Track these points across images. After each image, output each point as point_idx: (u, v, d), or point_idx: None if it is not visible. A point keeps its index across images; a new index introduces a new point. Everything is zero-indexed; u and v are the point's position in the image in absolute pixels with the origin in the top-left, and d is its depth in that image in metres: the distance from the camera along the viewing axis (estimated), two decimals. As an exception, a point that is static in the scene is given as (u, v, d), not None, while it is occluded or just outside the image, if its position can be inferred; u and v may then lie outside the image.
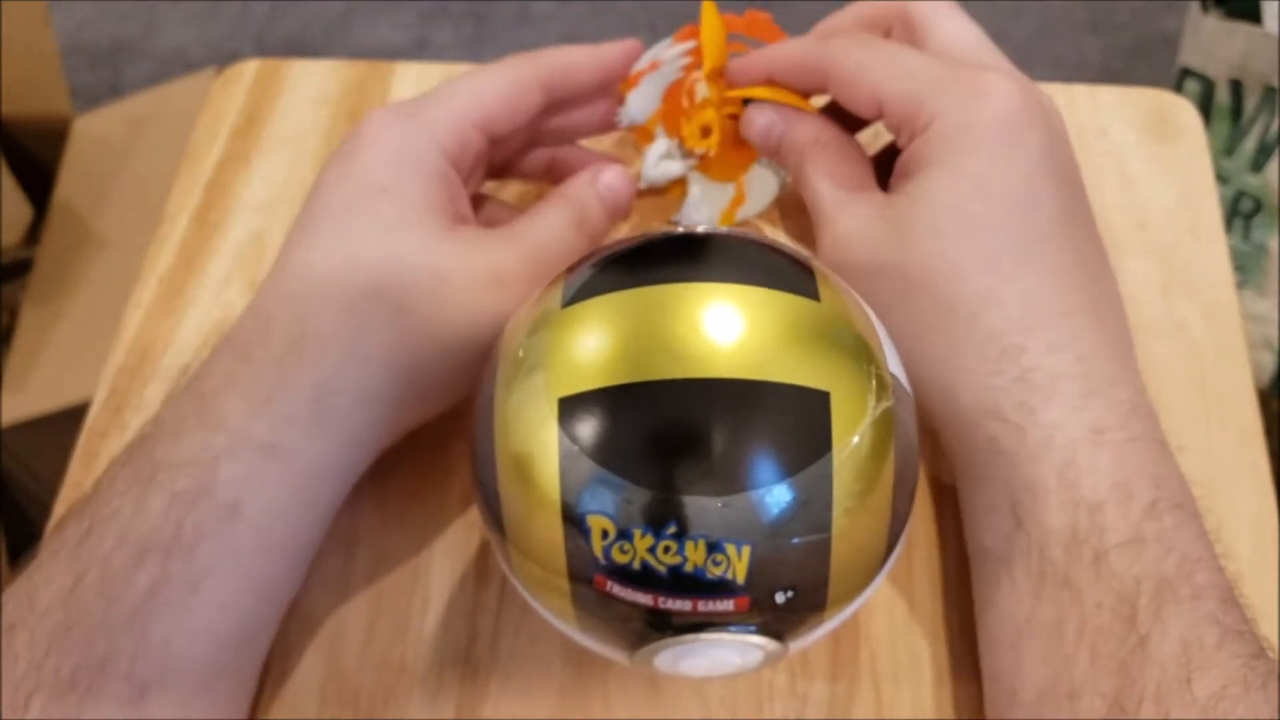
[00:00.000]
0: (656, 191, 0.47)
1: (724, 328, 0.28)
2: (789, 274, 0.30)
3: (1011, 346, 0.35)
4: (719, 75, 0.44)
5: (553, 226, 0.39)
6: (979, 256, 0.36)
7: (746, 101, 0.44)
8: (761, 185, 0.46)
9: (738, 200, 0.46)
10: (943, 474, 0.41)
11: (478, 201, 0.43)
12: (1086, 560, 0.32)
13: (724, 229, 0.33)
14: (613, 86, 0.43)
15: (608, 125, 0.44)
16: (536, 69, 0.40)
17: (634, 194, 0.42)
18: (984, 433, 0.35)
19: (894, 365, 0.31)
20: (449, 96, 0.39)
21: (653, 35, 0.44)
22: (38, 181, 1.05)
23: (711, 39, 0.43)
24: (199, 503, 0.32)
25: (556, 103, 0.41)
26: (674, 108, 0.45)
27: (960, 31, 0.40)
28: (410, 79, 0.53)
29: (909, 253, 0.36)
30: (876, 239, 0.38)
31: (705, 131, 0.44)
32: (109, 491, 0.33)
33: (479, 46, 1.56)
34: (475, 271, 0.35)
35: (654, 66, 0.44)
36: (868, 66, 0.39)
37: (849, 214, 0.39)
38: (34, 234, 1.03)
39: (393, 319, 0.34)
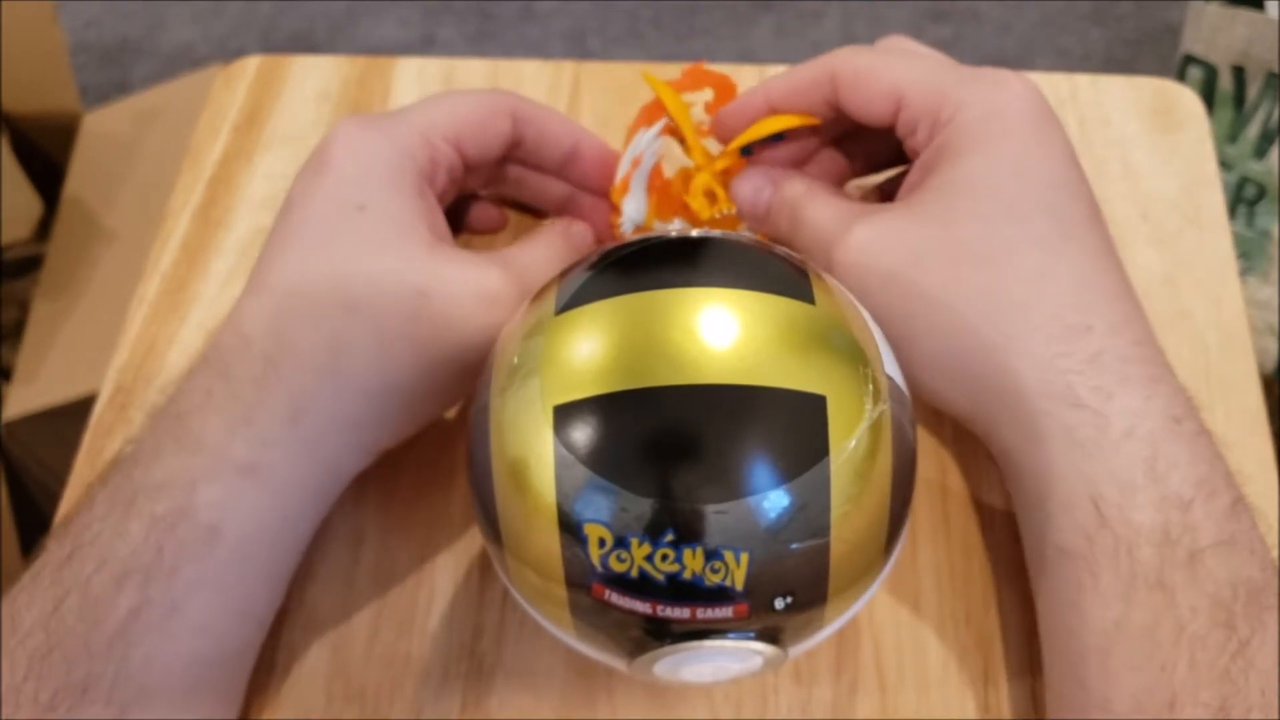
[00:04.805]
0: None
1: (719, 333, 0.28)
2: (784, 277, 0.30)
3: (1077, 325, 0.33)
4: (699, 139, 0.43)
5: (546, 256, 0.39)
6: (1027, 236, 0.35)
7: (745, 151, 0.43)
8: None
9: None
10: (945, 474, 0.41)
11: (466, 202, 0.43)
12: (1180, 561, 0.31)
13: (718, 232, 0.33)
14: (578, 162, 0.43)
15: (561, 206, 0.44)
16: (505, 98, 0.40)
17: None
18: (1056, 421, 0.33)
19: (890, 368, 0.31)
20: (420, 109, 0.38)
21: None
22: (48, 177, 1.05)
23: (675, 108, 0.43)
24: (179, 526, 0.32)
25: (524, 147, 0.41)
26: (661, 192, 0.43)
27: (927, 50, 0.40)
28: (411, 74, 0.53)
29: (952, 240, 0.35)
30: (910, 234, 0.36)
31: (711, 196, 0.43)
32: (88, 515, 0.33)
33: (483, 43, 1.56)
34: (460, 289, 0.35)
35: (636, 164, 0.43)
36: (883, 65, 0.38)
37: (867, 223, 0.36)
38: (44, 229, 1.04)
39: (373, 338, 0.34)
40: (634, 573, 0.27)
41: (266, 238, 0.36)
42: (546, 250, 0.39)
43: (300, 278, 0.35)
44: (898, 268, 0.35)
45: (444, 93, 0.39)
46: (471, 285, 0.35)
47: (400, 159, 0.36)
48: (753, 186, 0.41)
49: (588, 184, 0.43)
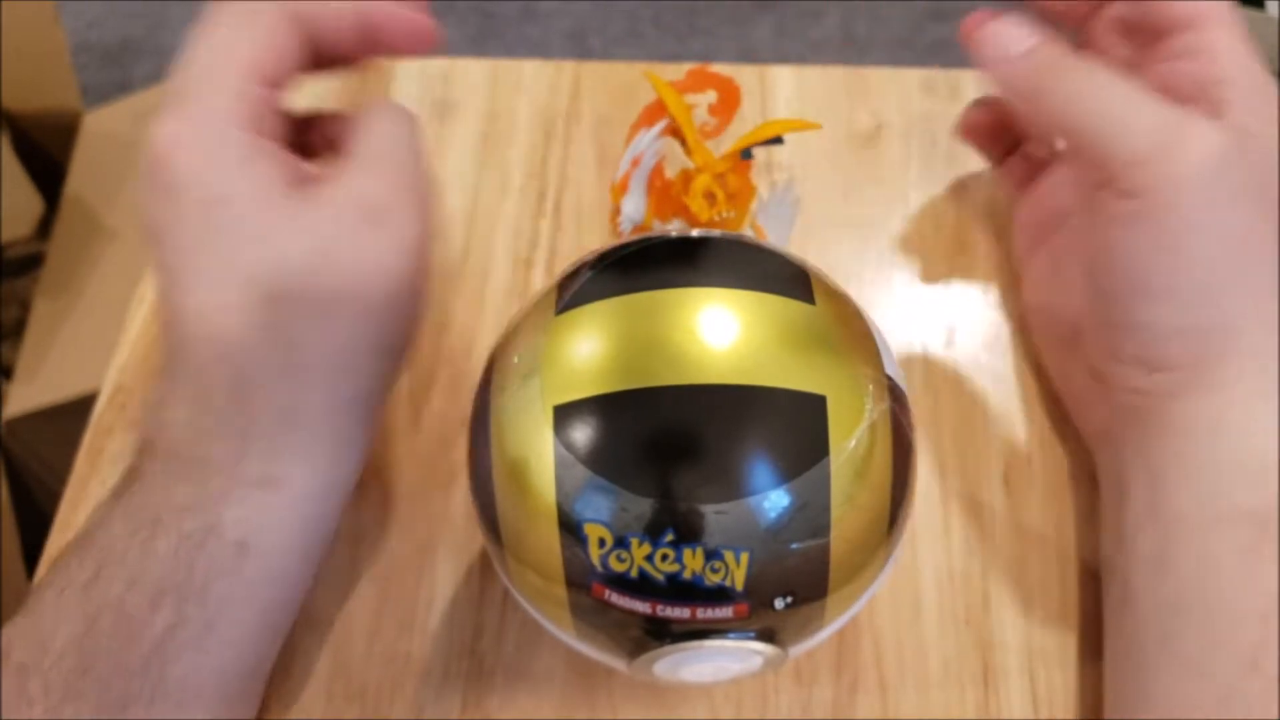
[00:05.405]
0: None
1: (719, 333, 0.28)
2: (784, 277, 0.30)
3: None
4: (700, 141, 0.43)
5: (391, 130, 0.34)
6: None
7: (745, 154, 0.43)
8: (776, 221, 0.45)
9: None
10: (945, 474, 0.41)
11: (309, 124, 0.38)
12: None
13: (718, 232, 0.33)
14: (371, 37, 0.36)
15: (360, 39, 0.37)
16: (275, 10, 0.34)
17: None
18: None
19: (890, 367, 0.31)
20: (210, 71, 0.33)
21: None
22: (49, 176, 1.05)
23: (677, 109, 0.43)
24: (208, 543, 0.32)
25: (317, 39, 0.35)
26: (661, 193, 0.44)
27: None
28: (412, 74, 0.53)
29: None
30: None
31: (710, 198, 0.43)
32: (108, 534, 0.32)
33: (484, 43, 1.56)
34: (349, 234, 0.32)
35: (636, 164, 0.43)
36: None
37: (1220, 130, 0.33)
38: (45, 228, 1.04)
39: (309, 318, 0.32)
40: (634, 573, 0.27)
41: (154, 269, 0.34)
42: (392, 124, 0.35)
43: (213, 296, 0.32)
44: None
45: (205, 35, 0.34)
46: (352, 224, 0.32)
47: (225, 130, 0.32)
48: (1021, 28, 0.36)
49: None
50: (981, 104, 0.43)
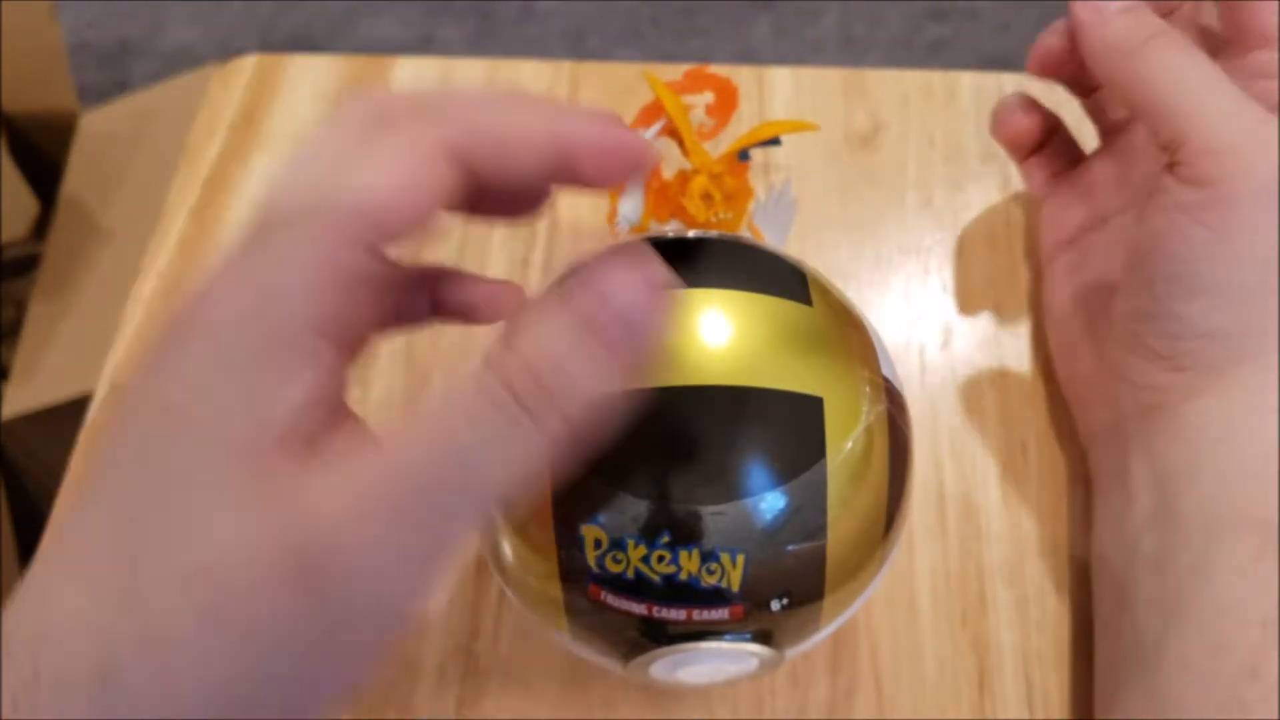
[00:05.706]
0: None
1: (716, 334, 0.28)
2: (781, 279, 0.30)
3: None
4: (698, 141, 0.43)
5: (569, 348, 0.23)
6: None
7: (743, 155, 0.43)
8: (774, 222, 0.45)
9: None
10: (941, 475, 0.41)
11: (432, 276, 0.30)
12: None
13: (715, 233, 0.33)
14: (573, 170, 0.24)
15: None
16: (442, 130, 0.23)
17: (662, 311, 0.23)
18: None
19: (886, 369, 0.31)
20: (316, 215, 0.22)
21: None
22: (45, 177, 1.05)
23: (674, 109, 0.43)
24: None
25: (486, 175, 0.24)
26: (658, 194, 0.43)
27: None
28: (408, 73, 0.53)
29: None
30: None
31: (708, 199, 0.43)
32: None
33: (482, 43, 1.56)
34: (253, 583, 0.20)
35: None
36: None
37: None
38: (41, 229, 1.04)
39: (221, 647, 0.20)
40: (630, 574, 0.27)
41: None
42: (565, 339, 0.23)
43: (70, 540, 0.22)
44: None
45: (344, 158, 0.23)
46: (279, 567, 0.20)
47: (270, 322, 0.22)
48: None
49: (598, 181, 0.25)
50: (1021, 100, 0.42)
